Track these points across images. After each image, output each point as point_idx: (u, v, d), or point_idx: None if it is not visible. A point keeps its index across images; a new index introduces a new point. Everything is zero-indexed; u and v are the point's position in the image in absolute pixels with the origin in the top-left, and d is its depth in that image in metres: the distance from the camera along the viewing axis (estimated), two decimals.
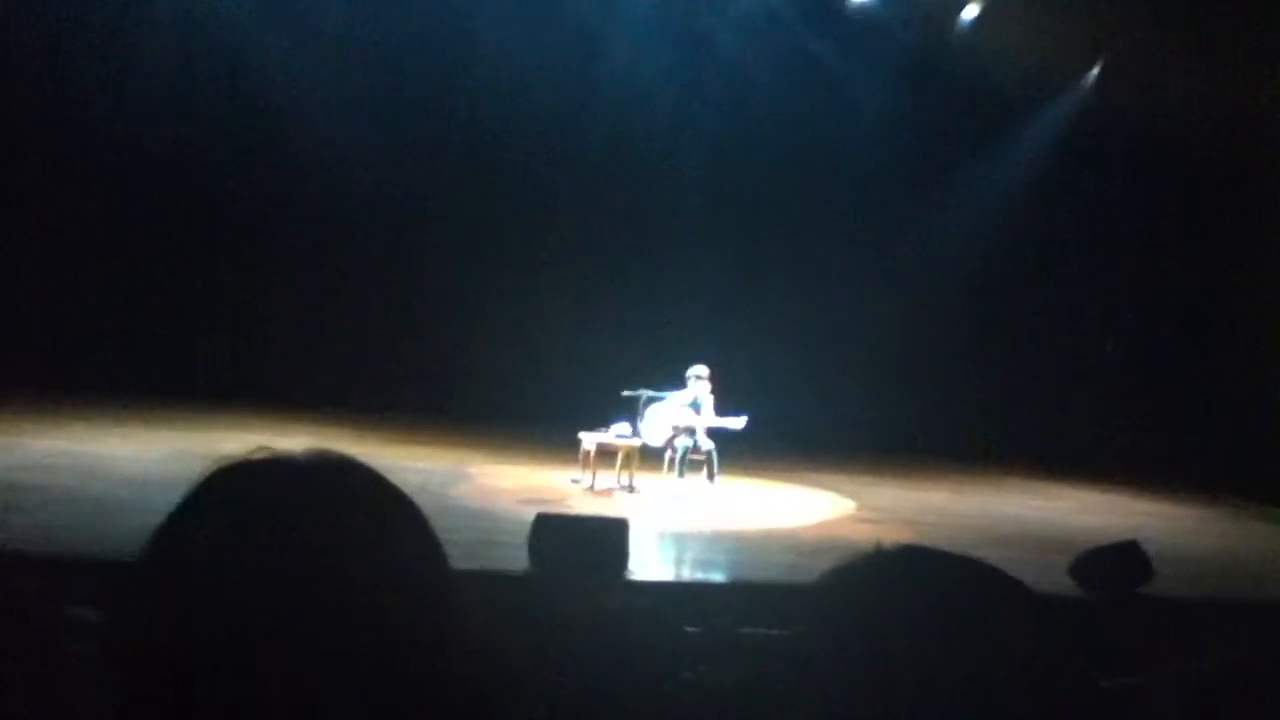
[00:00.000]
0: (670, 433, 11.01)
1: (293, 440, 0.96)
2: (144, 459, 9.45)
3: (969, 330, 15.93)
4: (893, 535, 9.28)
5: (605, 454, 10.85)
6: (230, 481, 0.90)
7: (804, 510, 10.92)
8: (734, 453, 11.26)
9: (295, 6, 13.43)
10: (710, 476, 10.96)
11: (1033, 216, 15.79)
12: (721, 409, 11.03)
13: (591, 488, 10.71)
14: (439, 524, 0.99)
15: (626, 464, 10.93)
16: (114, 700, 0.82)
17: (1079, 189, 15.63)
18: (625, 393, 11.05)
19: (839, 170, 14.96)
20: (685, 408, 11.01)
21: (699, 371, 11.07)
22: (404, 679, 0.84)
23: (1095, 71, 15.04)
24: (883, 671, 0.88)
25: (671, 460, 10.98)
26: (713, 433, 11.02)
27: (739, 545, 9.18)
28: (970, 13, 14.36)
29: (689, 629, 3.36)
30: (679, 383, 11.11)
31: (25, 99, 12.65)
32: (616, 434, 10.84)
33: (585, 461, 10.88)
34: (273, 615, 0.82)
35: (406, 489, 0.98)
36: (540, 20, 13.91)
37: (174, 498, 0.92)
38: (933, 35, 14.40)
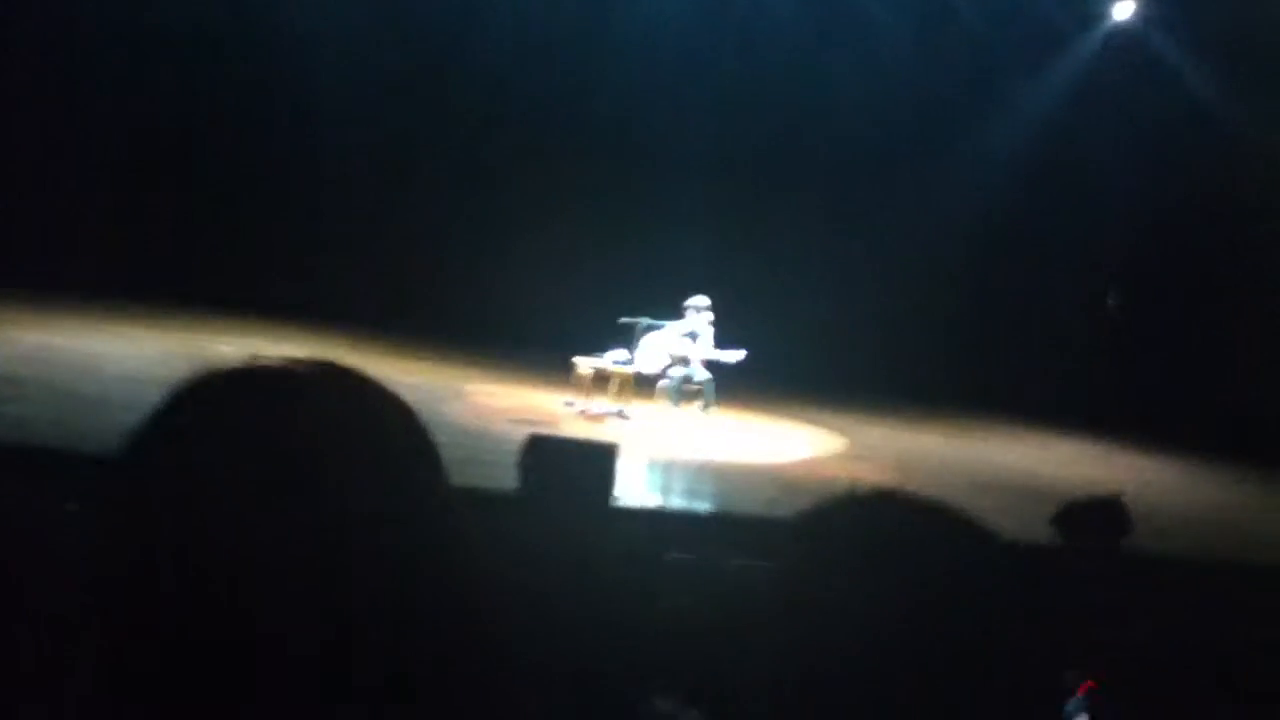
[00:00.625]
0: (666, 361, 11.02)
1: (289, 349, 0.94)
2: (134, 358, 9.44)
3: (975, 277, 15.87)
4: (879, 476, 9.35)
5: (599, 379, 10.89)
6: (220, 387, 0.86)
7: (794, 446, 10.98)
8: (730, 387, 11.28)
9: None
10: (705, 408, 10.99)
11: (1044, 165, 15.68)
12: (720, 342, 11.03)
13: (584, 411, 10.76)
14: None
15: (620, 390, 10.96)
16: (96, 595, 0.81)
17: (1096, 135, 15.49)
18: (623, 320, 11.04)
19: (852, 109, 14.83)
20: (682, 338, 11.00)
21: (698, 303, 11.04)
22: (400, 596, 0.81)
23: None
24: (849, 613, 0.89)
25: (666, 389, 11.00)
26: (709, 365, 11.03)
27: (724, 477, 9.24)
28: None
29: (669, 556, 3.40)
30: (678, 313, 11.10)
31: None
32: (612, 360, 10.86)
33: (579, 385, 10.91)
34: (261, 527, 0.79)
35: None
36: None
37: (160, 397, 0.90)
38: None
